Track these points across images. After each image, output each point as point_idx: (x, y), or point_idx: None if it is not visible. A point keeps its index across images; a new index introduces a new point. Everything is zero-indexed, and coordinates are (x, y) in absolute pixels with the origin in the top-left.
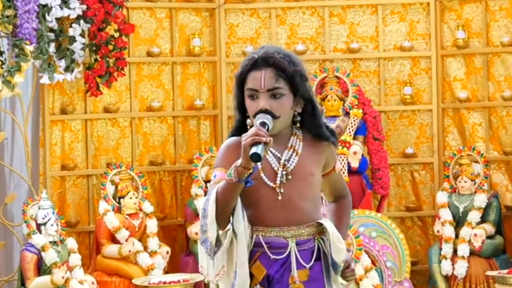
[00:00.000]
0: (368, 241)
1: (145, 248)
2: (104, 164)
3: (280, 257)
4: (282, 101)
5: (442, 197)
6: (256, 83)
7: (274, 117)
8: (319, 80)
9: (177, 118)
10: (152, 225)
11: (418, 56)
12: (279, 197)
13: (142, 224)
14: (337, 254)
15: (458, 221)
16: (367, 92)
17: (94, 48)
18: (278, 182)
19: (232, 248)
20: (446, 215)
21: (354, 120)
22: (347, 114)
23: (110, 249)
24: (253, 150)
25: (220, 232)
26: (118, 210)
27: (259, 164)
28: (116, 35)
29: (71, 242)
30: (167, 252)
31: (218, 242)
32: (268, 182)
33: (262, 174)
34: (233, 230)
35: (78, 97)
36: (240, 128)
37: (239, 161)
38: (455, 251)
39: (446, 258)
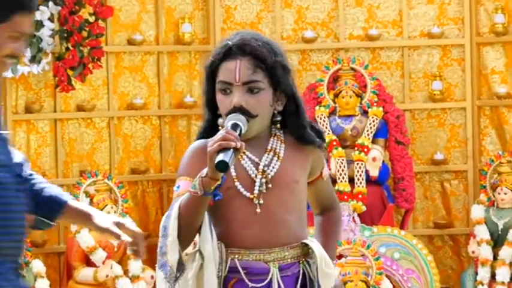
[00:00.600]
0: (390, 264)
1: (126, 272)
2: (76, 173)
3: (260, 285)
4: (260, 96)
5: (477, 212)
6: (230, 74)
7: (250, 116)
8: (332, 73)
9: (164, 118)
10: None
11: (449, 44)
12: (258, 210)
13: (122, 243)
14: (325, 281)
15: (497, 240)
16: (389, 87)
17: (65, 35)
18: (256, 191)
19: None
20: (482, 232)
21: (373, 121)
22: (365, 113)
23: (84, 273)
24: (220, 157)
25: (187, 253)
26: None
27: (233, 171)
28: (91, 19)
29: (38, 265)
30: (152, 277)
31: (180, 266)
32: (244, 192)
33: (236, 183)
34: (200, 252)
35: (46, 93)
36: (210, 129)
37: (205, 170)
38: (493, 276)
39: (483, 284)
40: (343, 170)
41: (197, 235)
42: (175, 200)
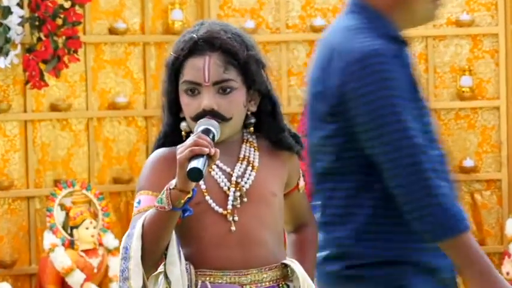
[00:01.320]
0: None
1: None
2: (50, 182)
3: None
4: (233, 97)
5: None
6: (198, 73)
7: (224, 119)
8: None
9: (151, 119)
10: (116, 265)
11: (480, 33)
12: (232, 228)
13: (103, 263)
14: None
15: None
16: None
17: (36, 23)
18: (230, 206)
19: None
20: None
21: None
22: None
23: None
24: (192, 164)
25: (150, 276)
26: (70, 244)
27: (202, 183)
28: (67, 4)
29: None
30: None
31: None
32: (216, 208)
33: (207, 197)
34: (165, 275)
35: (14, 90)
36: (171, 135)
37: (173, 182)
38: None
39: None
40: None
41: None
42: (136, 217)
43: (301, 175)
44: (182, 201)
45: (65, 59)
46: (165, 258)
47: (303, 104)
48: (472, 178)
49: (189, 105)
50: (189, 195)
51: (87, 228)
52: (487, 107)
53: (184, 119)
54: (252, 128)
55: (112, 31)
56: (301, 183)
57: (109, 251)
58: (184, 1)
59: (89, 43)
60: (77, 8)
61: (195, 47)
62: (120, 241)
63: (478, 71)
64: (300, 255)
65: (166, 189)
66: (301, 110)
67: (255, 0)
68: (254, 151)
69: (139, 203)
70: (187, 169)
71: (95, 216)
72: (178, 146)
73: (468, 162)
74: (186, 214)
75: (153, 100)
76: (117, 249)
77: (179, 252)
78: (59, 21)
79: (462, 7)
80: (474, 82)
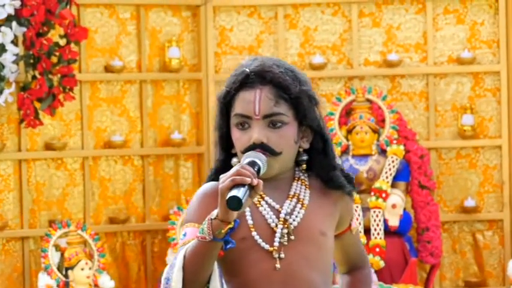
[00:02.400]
0: None
1: None
2: (45, 222)
3: None
4: (283, 131)
5: None
6: (249, 106)
7: (273, 153)
8: (345, 105)
9: (147, 158)
10: None
11: (482, 71)
12: (278, 265)
13: None
14: None
15: None
16: (412, 121)
17: (31, 61)
18: (277, 243)
19: None
20: None
21: (393, 161)
22: (383, 152)
23: None
24: (232, 193)
25: None
26: (65, 286)
27: (249, 219)
28: (62, 42)
29: None
30: None
31: None
32: (263, 244)
33: (253, 233)
34: None
35: (9, 129)
36: (222, 171)
37: (215, 212)
38: None
39: None
40: (357, 219)
41: None
42: (180, 249)
43: (354, 216)
44: (223, 231)
45: (60, 97)
46: None
47: None
48: (473, 218)
49: (239, 139)
50: (231, 226)
51: (82, 269)
52: (489, 146)
53: (235, 154)
54: (304, 166)
55: (108, 69)
56: (354, 224)
57: None
58: (182, 38)
59: (85, 81)
60: (72, 45)
61: (246, 81)
62: (116, 282)
63: (479, 109)
64: None
65: (208, 220)
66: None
67: (253, 38)
68: (305, 189)
69: (185, 235)
70: (227, 198)
71: (90, 257)
72: (221, 176)
73: (469, 202)
74: (228, 246)
75: (150, 139)
76: None
77: (222, 285)
78: (54, 59)
79: (463, 44)
80: (476, 120)
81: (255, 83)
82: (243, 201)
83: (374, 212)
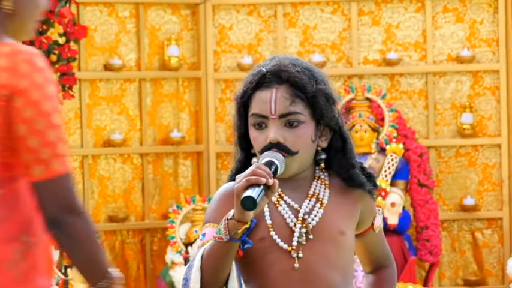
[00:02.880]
0: None
1: None
2: None
3: None
4: (300, 131)
5: None
6: (265, 106)
7: (289, 153)
8: (344, 104)
9: (147, 156)
10: None
11: (481, 70)
12: (296, 265)
13: None
14: None
15: None
16: (411, 120)
17: None
18: (295, 243)
19: None
20: None
21: (392, 160)
22: (382, 150)
23: None
24: (247, 193)
25: None
26: (64, 284)
27: (268, 219)
28: (61, 40)
29: None
30: None
31: None
32: (281, 244)
33: (272, 232)
34: None
35: None
36: (242, 171)
37: (231, 212)
38: None
39: None
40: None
41: None
42: (199, 249)
43: (376, 215)
44: (239, 231)
45: (60, 95)
46: None
47: None
48: (473, 217)
49: (256, 138)
50: (247, 226)
51: None
52: (488, 145)
53: (255, 154)
54: (323, 164)
55: (107, 67)
56: (377, 223)
57: None
58: (181, 37)
59: (84, 79)
60: (71, 44)
61: (263, 80)
62: None
63: (479, 107)
64: None
65: (225, 220)
66: None
67: (252, 36)
68: (325, 188)
69: (204, 235)
70: (241, 198)
71: None
72: (237, 176)
73: (469, 201)
74: (245, 246)
75: (149, 137)
76: None
77: (240, 285)
78: (54, 58)
79: (463, 43)
80: (475, 119)
81: (271, 82)
82: (258, 201)
83: None
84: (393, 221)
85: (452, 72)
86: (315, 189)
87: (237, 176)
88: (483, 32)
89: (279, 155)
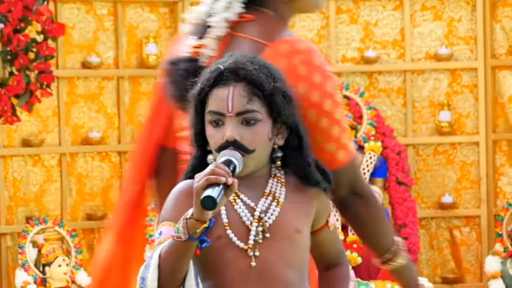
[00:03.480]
0: None
1: None
2: (22, 219)
3: None
4: (257, 129)
5: (492, 264)
6: (222, 104)
7: (246, 151)
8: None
9: (125, 154)
10: None
11: (459, 67)
12: (253, 263)
13: None
14: None
15: None
16: (389, 118)
17: (8, 57)
18: (251, 241)
19: None
20: None
21: (371, 158)
22: (361, 148)
23: None
24: (207, 193)
25: None
26: (42, 282)
27: (224, 217)
28: (39, 38)
29: None
30: None
31: None
32: (237, 242)
33: (228, 231)
34: None
35: None
36: (199, 168)
37: (190, 211)
38: None
39: None
40: (334, 215)
41: None
42: (156, 248)
43: (331, 212)
44: (198, 231)
45: (38, 93)
46: None
47: None
48: (450, 214)
49: (213, 136)
50: (206, 225)
51: (59, 266)
52: (466, 143)
53: (211, 152)
54: (279, 163)
55: (85, 65)
56: (332, 220)
57: None
58: (159, 35)
59: (62, 77)
60: (49, 41)
61: (220, 78)
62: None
63: (457, 105)
64: None
65: (183, 219)
66: None
67: None
68: (281, 187)
69: (160, 234)
70: (201, 197)
71: (67, 253)
72: (196, 175)
73: (447, 199)
74: (203, 245)
75: (127, 135)
76: (90, 287)
77: (197, 285)
78: (32, 55)
79: (441, 41)
80: (453, 117)
81: (228, 80)
82: (218, 201)
83: None
84: None
85: (430, 70)
86: (271, 187)
87: (195, 175)
88: (461, 30)
89: (237, 154)
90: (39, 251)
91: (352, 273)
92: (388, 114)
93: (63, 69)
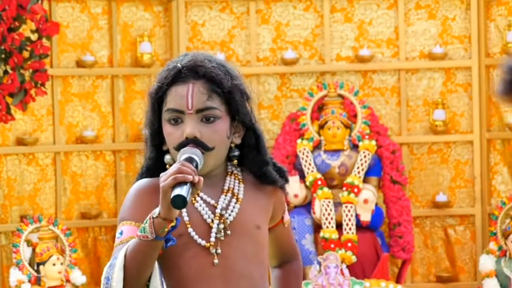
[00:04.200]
0: None
1: None
2: (16, 217)
3: None
4: (216, 126)
5: (487, 263)
6: (181, 101)
7: (206, 149)
8: (316, 100)
9: (119, 153)
10: None
11: (453, 66)
12: (216, 261)
13: None
14: None
15: None
16: (383, 116)
17: (3, 55)
18: (213, 239)
19: None
20: (493, 287)
21: (365, 156)
22: (355, 147)
23: None
24: (176, 192)
25: None
26: (36, 281)
27: (185, 215)
28: (34, 37)
29: None
30: None
31: None
32: (199, 240)
33: (190, 229)
34: None
35: None
36: (153, 169)
37: (156, 210)
38: None
39: None
40: (329, 214)
41: None
42: (118, 248)
43: (285, 209)
44: (166, 229)
45: (32, 92)
46: None
47: (273, 138)
48: (445, 213)
49: (172, 134)
50: (173, 224)
51: (54, 265)
52: (461, 141)
53: (167, 152)
54: (235, 161)
55: (80, 64)
56: (286, 217)
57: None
58: (153, 33)
59: (56, 76)
60: (44, 40)
61: (178, 76)
62: (88, 277)
63: (451, 104)
64: None
65: (150, 218)
66: (272, 144)
67: (225, 33)
68: (239, 183)
69: (121, 233)
70: (171, 197)
71: (62, 252)
72: (161, 174)
73: (441, 197)
74: (168, 244)
75: (122, 134)
76: (84, 285)
77: (162, 283)
78: (26, 54)
79: (435, 40)
80: (447, 116)
81: (187, 77)
82: (188, 199)
83: (346, 207)
84: (366, 217)
85: (425, 69)
86: (229, 184)
87: (161, 174)
88: (455, 29)
89: (197, 151)
90: (34, 249)
91: (346, 271)
92: (383, 113)
93: (58, 68)
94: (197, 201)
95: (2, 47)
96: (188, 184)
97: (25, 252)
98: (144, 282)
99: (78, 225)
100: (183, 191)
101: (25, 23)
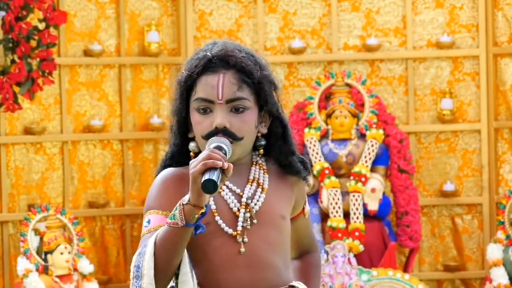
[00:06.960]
0: None
1: None
2: (24, 207)
3: None
4: (245, 116)
5: (494, 252)
6: (212, 91)
7: (235, 139)
8: (324, 90)
9: (127, 142)
10: None
11: (461, 55)
12: (242, 249)
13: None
14: None
15: None
16: (391, 105)
17: (10, 44)
18: (240, 228)
19: None
20: (500, 276)
21: (372, 145)
22: (362, 136)
23: None
24: (207, 176)
25: None
26: (44, 270)
27: (212, 204)
28: (41, 26)
29: None
30: None
31: None
32: (226, 229)
33: (217, 218)
34: None
35: None
36: (178, 156)
37: (186, 197)
38: None
39: None
40: (336, 203)
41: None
42: (146, 236)
43: (306, 200)
44: (196, 216)
45: (40, 81)
46: (176, 277)
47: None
48: (452, 202)
49: (200, 123)
50: (203, 211)
51: (61, 253)
52: (468, 130)
53: (192, 139)
54: (262, 151)
55: (87, 53)
56: (307, 208)
57: (84, 276)
58: (161, 22)
59: (64, 65)
60: (51, 29)
61: (209, 65)
62: (95, 266)
63: (458, 93)
64: (305, 281)
65: (179, 205)
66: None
67: (232, 22)
68: (264, 173)
69: (149, 222)
70: (202, 181)
71: (69, 241)
72: (191, 161)
73: (449, 186)
74: (198, 231)
75: (129, 123)
76: (92, 274)
77: (192, 271)
78: (33, 43)
79: (443, 29)
80: (455, 105)
81: (218, 67)
82: (218, 184)
83: (353, 196)
84: (373, 206)
85: (432, 58)
86: (254, 174)
87: (190, 162)
88: (463, 18)
89: (226, 140)
90: (41, 238)
91: (354, 260)
92: (390, 102)
93: (65, 57)
94: (223, 190)
95: (10, 36)
96: (218, 170)
97: (33, 241)
98: (173, 270)
99: (85, 214)
100: (214, 175)
101: (32, 12)
